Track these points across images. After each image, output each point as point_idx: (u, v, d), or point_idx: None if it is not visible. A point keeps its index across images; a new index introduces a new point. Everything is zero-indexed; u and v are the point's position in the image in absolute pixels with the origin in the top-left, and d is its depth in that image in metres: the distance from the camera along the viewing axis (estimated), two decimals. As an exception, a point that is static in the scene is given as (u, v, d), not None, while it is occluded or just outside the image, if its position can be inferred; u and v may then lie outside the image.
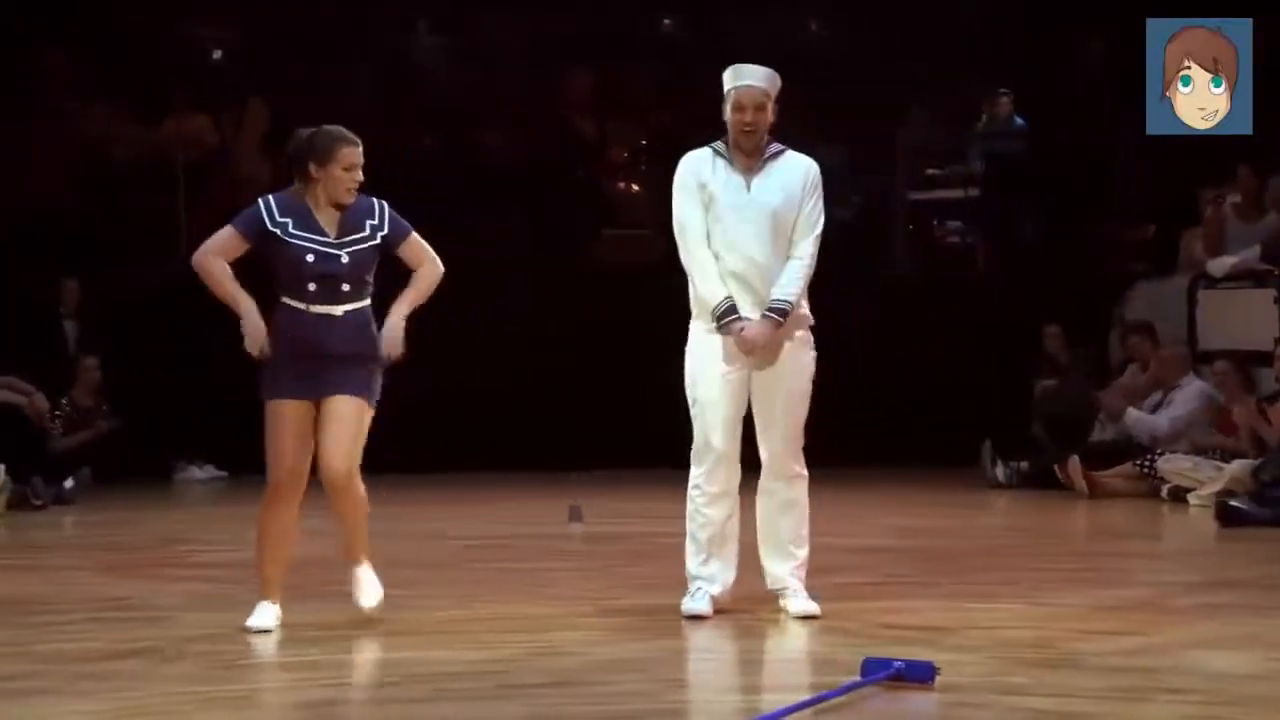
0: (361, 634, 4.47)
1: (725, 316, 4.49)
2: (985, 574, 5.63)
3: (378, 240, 4.43)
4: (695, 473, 4.61)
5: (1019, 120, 10.80)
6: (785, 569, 4.62)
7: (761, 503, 4.64)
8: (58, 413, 9.21)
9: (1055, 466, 8.56)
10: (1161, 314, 9.20)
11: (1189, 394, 8.51)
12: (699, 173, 4.54)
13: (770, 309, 4.48)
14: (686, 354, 4.63)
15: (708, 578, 4.61)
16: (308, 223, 4.40)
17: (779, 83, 4.56)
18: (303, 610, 4.83)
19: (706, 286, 4.50)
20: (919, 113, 11.13)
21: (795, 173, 4.54)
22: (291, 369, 4.39)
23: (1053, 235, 10.66)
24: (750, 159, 4.54)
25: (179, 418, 9.69)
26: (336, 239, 4.40)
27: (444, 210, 10.73)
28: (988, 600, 4.96)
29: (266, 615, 4.48)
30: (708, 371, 4.55)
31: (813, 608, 4.56)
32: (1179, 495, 7.91)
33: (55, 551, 6.77)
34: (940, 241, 10.97)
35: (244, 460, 9.81)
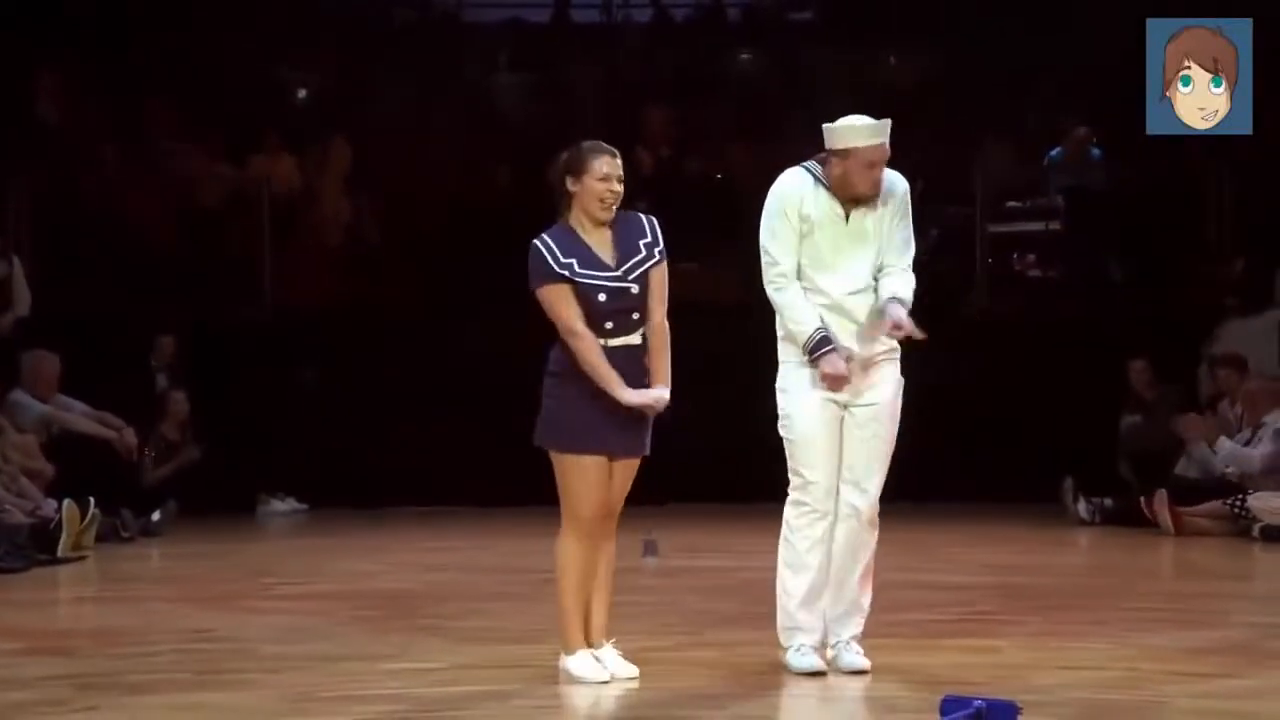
0: (443, 669, 4.48)
1: (820, 348, 4.27)
2: (1071, 612, 5.53)
3: (656, 258, 4.20)
4: (792, 514, 4.33)
5: (1096, 152, 10.66)
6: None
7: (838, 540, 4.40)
8: (147, 448, 9.39)
9: (1141, 501, 8.38)
10: (1252, 351, 8.99)
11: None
12: (801, 201, 4.33)
13: (893, 299, 4.29)
14: (778, 392, 4.38)
15: (807, 628, 4.36)
16: (589, 258, 4.16)
17: None
18: (388, 643, 4.86)
19: (796, 321, 4.29)
20: (998, 145, 11.04)
21: (890, 194, 4.37)
22: (589, 414, 4.16)
23: (1138, 269, 10.49)
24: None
25: (262, 451, 9.85)
26: (619, 269, 4.17)
27: (520, 244, 10.81)
28: (1074, 639, 4.88)
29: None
30: (804, 406, 4.32)
31: (864, 662, 4.35)
32: (1271, 534, 7.71)
33: (143, 583, 6.88)
34: (1021, 274, 10.84)
35: (324, 493, 9.99)
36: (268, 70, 11.32)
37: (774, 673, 4.34)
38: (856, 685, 4.24)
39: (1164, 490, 8.27)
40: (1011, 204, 10.77)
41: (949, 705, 3.69)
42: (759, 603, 5.25)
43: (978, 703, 3.66)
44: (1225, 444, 8.33)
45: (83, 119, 10.74)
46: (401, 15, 12.11)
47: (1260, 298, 9.49)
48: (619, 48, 11.95)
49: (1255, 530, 7.84)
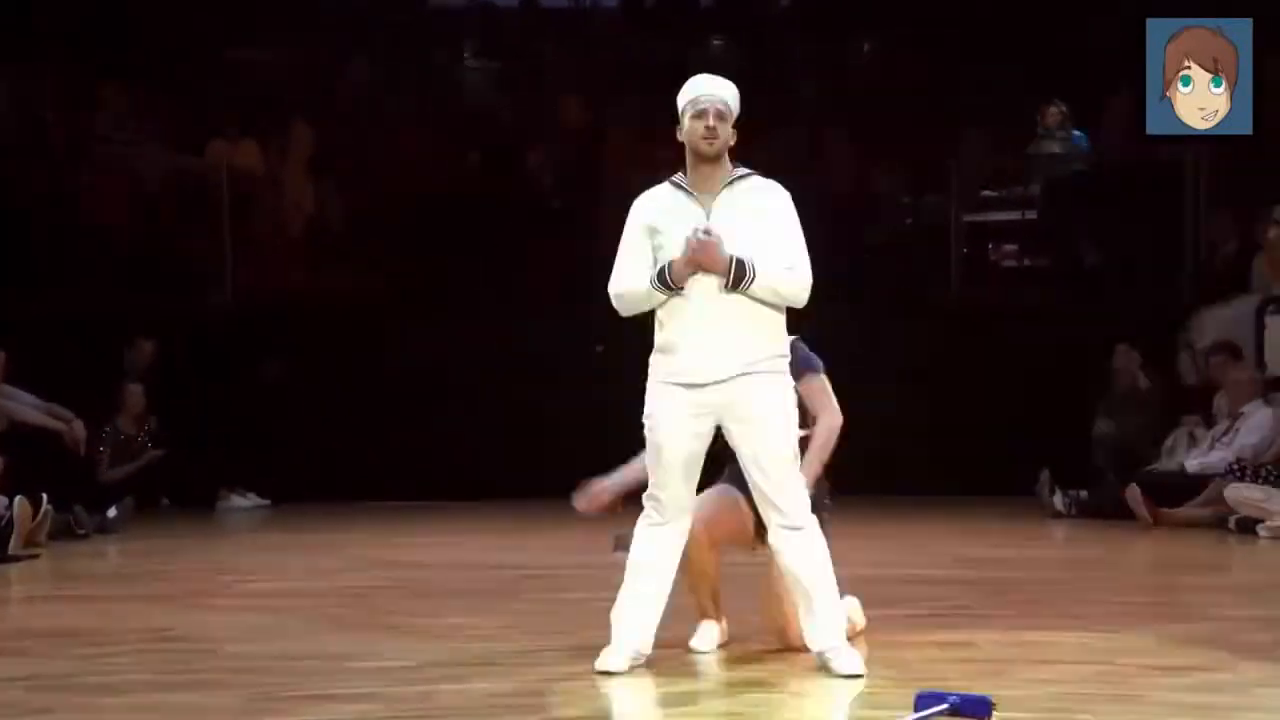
0: (412, 668, 4.39)
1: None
2: (1046, 605, 5.51)
3: None
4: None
5: (1076, 134, 10.62)
6: None
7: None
8: (102, 446, 9.22)
9: (1125, 491, 8.36)
10: (1230, 339, 8.97)
11: (1256, 422, 8.29)
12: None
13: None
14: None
15: None
16: None
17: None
18: (354, 642, 4.77)
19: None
20: (974, 134, 11.00)
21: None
22: None
23: (1114, 258, 10.48)
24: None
25: (222, 446, 9.69)
26: None
27: (488, 233, 10.74)
28: (1049, 632, 4.85)
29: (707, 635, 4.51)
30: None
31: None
32: (1247, 526, 7.70)
33: (99, 582, 6.75)
34: (996, 264, 10.82)
35: (286, 489, 9.86)
36: (225, 52, 11.15)
37: (745, 669, 4.29)
38: (826, 680, 4.17)
39: (1135, 485, 8.26)
40: (987, 193, 10.73)
41: (923, 701, 3.65)
42: (739, 598, 5.20)
43: (951, 698, 3.64)
44: (1193, 463, 8.35)
45: (33, 105, 10.55)
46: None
47: (1236, 286, 9.47)
48: (590, 34, 11.86)
49: (1231, 522, 7.84)
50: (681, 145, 4.24)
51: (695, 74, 4.30)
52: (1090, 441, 9.47)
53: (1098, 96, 10.67)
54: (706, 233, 4.09)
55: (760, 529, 4.33)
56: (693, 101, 4.17)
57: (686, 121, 4.18)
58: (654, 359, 4.25)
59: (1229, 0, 5.84)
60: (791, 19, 11.70)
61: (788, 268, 4.14)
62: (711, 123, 4.13)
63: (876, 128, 10.41)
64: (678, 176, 4.25)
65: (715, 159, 4.17)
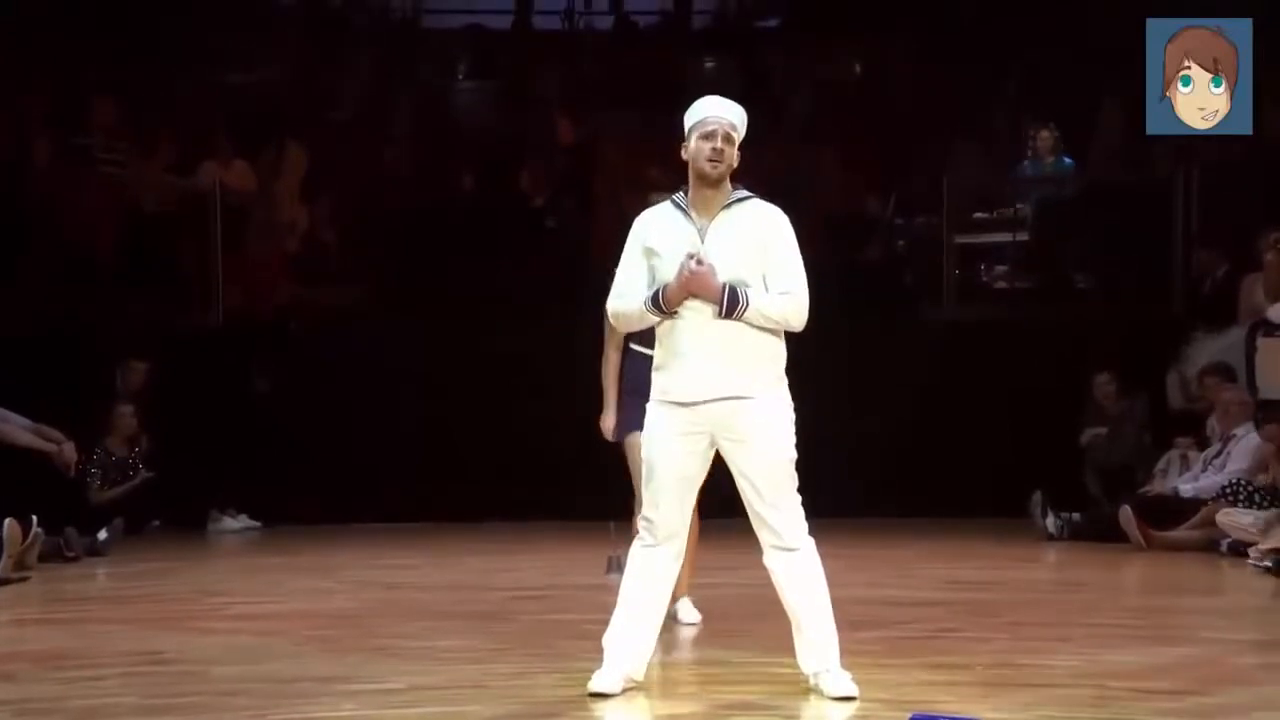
0: (401, 690, 4.37)
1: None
2: (1038, 628, 5.50)
3: None
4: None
5: (1067, 160, 10.65)
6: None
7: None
8: (93, 469, 9.16)
9: (1118, 515, 8.35)
10: (1224, 361, 8.95)
11: (1246, 446, 8.28)
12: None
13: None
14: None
15: None
16: None
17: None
18: (344, 664, 4.75)
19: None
20: (966, 156, 11.03)
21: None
22: None
23: (1105, 279, 10.50)
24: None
25: (212, 466, 9.64)
26: None
27: (482, 249, 10.74)
28: (1041, 655, 4.84)
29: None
30: None
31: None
32: (1239, 550, 7.70)
33: (89, 604, 6.70)
34: (988, 286, 10.83)
35: (277, 510, 9.81)
36: (219, 72, 11.16)
37: (737, 692, 4.27)
38: (819, 702, 4.16)
39: (1127, 507, 8.26)
40: (979, 215, 10.74)
41: (917, 723, 3.65)
42: (727, 619, 5.18)
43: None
44: (1186, 487, 8.36)
45: (25, 123, 10.54)
46: (359, 20, 12.01)
47: (1227, 309, 9.47)
48: (581, 55, 11.90)
49: (1223, 546, 7.83)
50: (683, 163, 4.24)
51: (684, 93, 4.31)
52: (1083, 463, 9.46)
53: (1090, 117, 10.70)
54: (699, 262, 4.10)
55: None
56: (701, 122, 4.17)
57: (693, 142, 4.17)
58: (653, 376, 4.26)
59: (1229, 0, 5.86)
60: (783, 39, 11.75)
61: (783, 293, 4.14)
62: (719, 144, 4.13)
63: (868, 147, 10.44)
64: (679, 195, 4.25)
65: (717, 181, 4.16)
